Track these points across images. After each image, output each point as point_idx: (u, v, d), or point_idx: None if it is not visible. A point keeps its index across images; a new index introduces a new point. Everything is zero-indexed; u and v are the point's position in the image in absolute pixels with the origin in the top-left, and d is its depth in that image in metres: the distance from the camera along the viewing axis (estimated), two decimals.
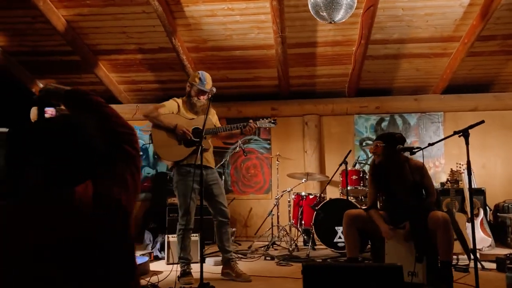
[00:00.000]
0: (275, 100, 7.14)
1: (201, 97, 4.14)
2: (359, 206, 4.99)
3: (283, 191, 6.04)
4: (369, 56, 6.20)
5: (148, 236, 5.77)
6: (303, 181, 5.94)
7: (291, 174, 5.99)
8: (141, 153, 7.15)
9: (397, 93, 7.09)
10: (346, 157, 5.63)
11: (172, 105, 4.14)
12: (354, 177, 5.60)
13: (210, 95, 3.95)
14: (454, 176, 4.89)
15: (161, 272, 4.42)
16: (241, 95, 7.18)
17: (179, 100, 4.19)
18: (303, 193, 5.87)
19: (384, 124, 7.07)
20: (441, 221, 3.39)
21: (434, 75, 6.62)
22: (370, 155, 6.97)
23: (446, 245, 3.36)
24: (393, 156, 3.65)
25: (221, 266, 4.30)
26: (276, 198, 6.15)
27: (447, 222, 3.39)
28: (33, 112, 7.03)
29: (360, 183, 5.60)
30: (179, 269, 4.10)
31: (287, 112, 7.12)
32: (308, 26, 5.58)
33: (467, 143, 2.94)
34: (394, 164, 3.69)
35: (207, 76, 4.16)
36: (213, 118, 4.28)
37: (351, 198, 5.57)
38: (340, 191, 5.91)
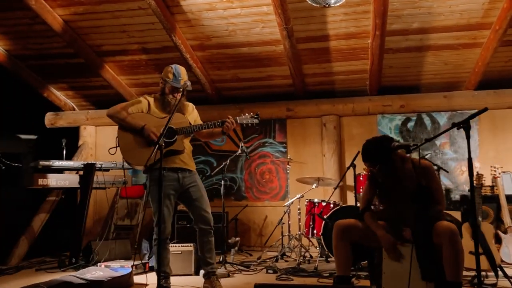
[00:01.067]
0: (290, 100, 6.68)
1: (176, 94, 3.75)
2: None
3: (294, 198, 5.56)
4: (389, 49, 5.64)
5: (145, 246, 5.46)
6: (313, 186, 5.44)
7: (300, 178, 5.50)
8: None
9: (424, 90, 6.45)
10: (354, 159, 5.11)
11: (141, 104, 3.77)
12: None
13: (183, 90, 3.58)
14: (480, 181, 4.25)
15: (146, 285, 4.08)
16: (254, 96, 6.79)
17: (150, 98, 3.82)
18: (315, 200, 5.37)
19: (410, 124, 6.44)
20: (446, 234, 2.83)
21: (465, 68, 5.95)
22: None
23: (452, 263, 2.80)
24: (392, 163, 3.12)
25: None
26: (286, 205, 5.69)
27: (454, 234, 2.82)
28: (47, 118, 6.90)
29: None
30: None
31: (303, 112, 6.65)
32: (316, 17, 5.11)
33: (468, 137, 2.39)
34: (394, 169, 3.15)
35: (182, 70, 3.80)
36: (191, 115, 3.89)
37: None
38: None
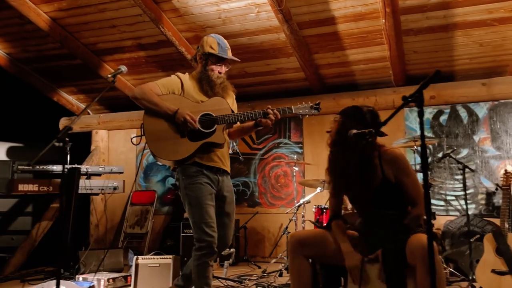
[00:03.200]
0: (306, 96, 6.00)
1: (223, 71, 3.03)
2: None
3: (298, 204, 4.92)
4: (409, 31, 4.86)
5: (131, 257, 5.03)
6: (318, 190, 4.76)
7: (303, 181, 4.85)
8: None
9: (460, 78, 5.56)
10: None
11: (172, 83, 2.98)
12: None
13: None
14: (509, 180, 3.40)
15: None
16: (267, 92, 6.22)
17: (184, 76, 3.05)
18: (323, 206, 4.70)
19: (443, 118, 5.57)
20: (418, 252, 2.11)
21: (505, 49, 5.01)
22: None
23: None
24: (347, 144, 2.43)
25: None
26: (294, 212, 5.05)
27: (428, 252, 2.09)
28: (62, 124, 6.73)
29: None
30: None
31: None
32: None
33: (421, 116, 1.71)
34: (352, 156, 2.45)
35: (225, 40, 3.07)
36: (232, 100, 3.11)
37: None
38: None
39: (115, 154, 7.02)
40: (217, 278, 4.34)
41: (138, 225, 6.58)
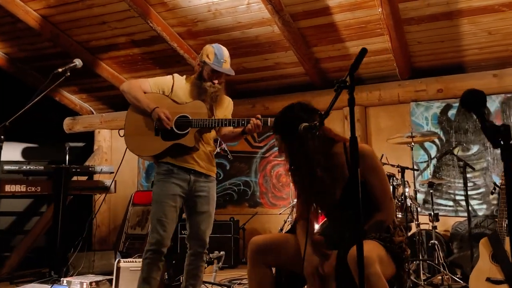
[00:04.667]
0: (307, 92, 5.78)
1: (216, 81, 2.98)
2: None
3: (293, 204, 4.69)
4: (411, 20, 4.56)
5: (118, 258, 4.89)
6: None
7: None
8: None
9: (471, 70, 5.20)
10: (380, 158, 4.15)
11: (163, 82, 2.99)
12: None
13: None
14: None
15: None
16: (268, 89, 6.00)
17: (180, 78, 3.04)
18: None
19: (451, 112, 5.22)
20: (350, 262, 1.88)
21: None
22: (433, 154, 5.21)
23: None
24: (304, 146, 2.17)
25: None
26: (281, 213, 4.82)
27: (368, 263, 1.84)
28: (66, 124, 6.71)
29: None
30: None
31: (321, 104, 5.52)
32: None
33: (351, 104, 1.48)
34: (312, 154, 2.19)
35: (225, 52, 3.02)
36: (222, 110, 3.06)
37: None
38: None
39: (118, 154, 6.92)
40: (204, 282, 4.15)
41: (139, 225, 6.47)
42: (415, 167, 5.09)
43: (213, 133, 3.03)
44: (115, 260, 4.98)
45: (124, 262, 3.94)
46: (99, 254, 4.88)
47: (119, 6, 4.72)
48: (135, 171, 6.76)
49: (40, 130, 7.41)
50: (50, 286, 3.75)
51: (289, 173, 2.30)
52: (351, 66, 1.59)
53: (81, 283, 4.04)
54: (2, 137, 2.14)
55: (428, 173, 5.17)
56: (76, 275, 4.52)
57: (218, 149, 4.45)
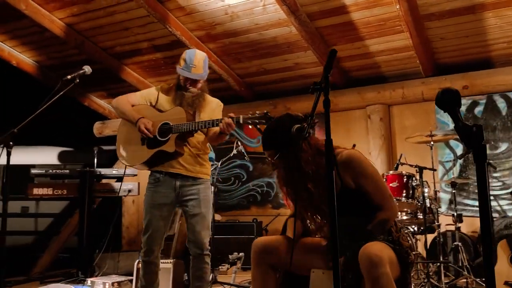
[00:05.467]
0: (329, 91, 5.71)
1: (192, 87, 3.01)
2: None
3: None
4: (430, 16, 4.44)
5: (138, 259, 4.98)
6: None
7: None
8: None
9: (499, 65, 5.02)
10: (399, 158, 4.12)
11: (149, 93, 3.12)
12: (394, 184, 3.92)
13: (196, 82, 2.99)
14: None
15: None
16: (289, 89, 5.98)
17: (166, 88, 3.15)
18: None
19: (478, 109, 5.05)
20: (363, 265, 1.84)
21: None
22: (458, 153, 5.05)
23: None
24: (297, 155, 2.13)
25: None
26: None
27: (373, 265, 1.81)
28: (95, 128, 6.93)
29: (403, 193, 3.89)
30: None
31: (344, 103, 5.65)
32: None
33: (326, 105, 1.45)
34: (304, 166, 2.15)
35: (197, 56, 3.00)
36: (209, 113, 3.08)
37: None
38: None
39: None
40: (222, 283, 4.19)
41: None
42: (440, 166, 4.96)
43: (201, 136, 3.05)
44: None
45: None
46: (124, 255, 4.99)
47: (140, 12, 4.82)
48: None
49: (76, 135, 7.68)
50: (73, 286, 3.87)
51: (285, 189, 2.27)
52: (324, 67, 1.57)
53: (104, 283, 4.15)
54: (11, 143, 2.22)
55: (453, 173, 5.02)
56: (100, 276, 4.65)
57: (235, 151, 4.49)
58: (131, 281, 4.30)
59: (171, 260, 3.98)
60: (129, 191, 5.06)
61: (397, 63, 5.28)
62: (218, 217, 6.02)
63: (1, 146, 2.20)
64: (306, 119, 1.99)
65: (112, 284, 4.14)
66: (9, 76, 6.30)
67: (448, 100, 1.31)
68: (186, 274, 4.27)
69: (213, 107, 3.14)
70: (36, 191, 4.64)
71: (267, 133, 2.26)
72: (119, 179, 5.98)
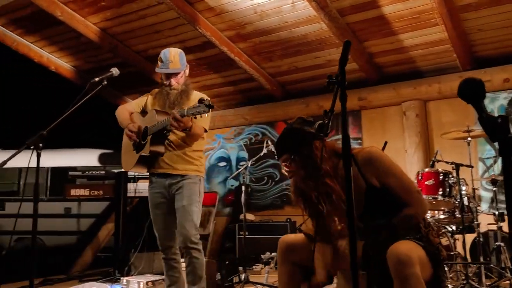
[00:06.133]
0: (362, 88, 5.62)
1: (173, 83, 3.06)
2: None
3: None
4: (467, 6, 4.27)
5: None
6: None
7: None
8: (223, 163, 6.52)
9: None
10: (435, 155, 3.99)
11: (141, 100, 3.24)
12: (430, 182, 3.78)
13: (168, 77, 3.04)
14: None
15: None
16: (321, 87, 5.89)
17: (155, 91, 3.24)
18: None
19: None
20: (392, 264, 1.77)
21: None
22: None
23: None
24: (315, 157, 2.07)
25: None
26: None
27: (402, 264, 1.74)
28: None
29: (439, 191, 3.74)
30: None
31: (379, 101, 5.52)
32: None
33: (343, 100, 1.38)
34: (322, 166, 2.08)
35: (171, 52, 3.07)
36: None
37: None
38: None
39: None
40: (254, 283, 4.17)
41: (201, 226, 6.61)
42: (480, 163, 4.77)
43: (184, 134, 3.03)
44: None
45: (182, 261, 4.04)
46: (159, 254, 5.04)
47: (170, 15, 4.87)
48: None
49: (115, 137, 7.86)
50: (109, 285, 3.95)
51: (301, 200, 2.21)
52: (339, 60, 1.50)
53: (138, 283, 4.21)
54: (41, 145, 2.27)
55: (494, 170, 4.80)
56: (136, 275, 4.72)
57: (265, 150, 4.46)
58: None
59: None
60: None
61: (433, 57, 5.11)
62: (251, 216, 6.02)
63: (31, 148, 2.24)
64: (326, 115, 1.93)
65: (146, 283, 4.18)
66: (49, 82, 6.53)
67: (471, 90, 1.23)
68: (219, 273, 4.28)
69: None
70: (74, 192, 4.77)
71: (279, 139, 2.22)
72: None
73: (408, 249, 1.81)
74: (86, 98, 2.72)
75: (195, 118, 2.80)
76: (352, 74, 5.59)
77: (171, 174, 3.03)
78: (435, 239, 1.99)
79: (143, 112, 3.16)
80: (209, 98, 2.81)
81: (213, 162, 6.77)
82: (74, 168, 7.30)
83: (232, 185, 6.61)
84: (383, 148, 3.70)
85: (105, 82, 2.89)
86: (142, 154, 2.96)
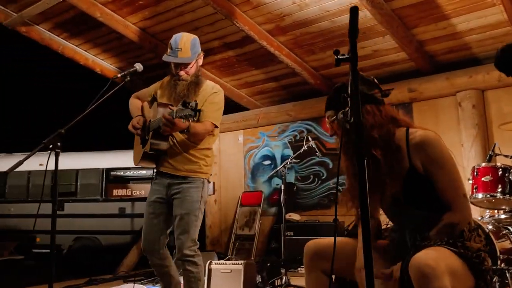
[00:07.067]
0: (413, 78, 5.26)
1: (184, 73, 2.85)
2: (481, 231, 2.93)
3: None
4: None
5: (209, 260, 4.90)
6: None
7: None
8: (268, 161, 6.36)
9: None
10: (493, 148, 3.63)
11: (150, 90, 3.11)
12: (487, 178, 3.41)
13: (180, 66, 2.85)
14: None
15: None
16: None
17: (166, 80, 3.07)
18: None
19: None
20: (414, 275, 1.54)
21: None
22: None
23: None
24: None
25: None
26: None
27: (424, 277, 1.50)
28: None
29: (498, 188, 3.36)
30: None
31: (431, 91, 5.14)
32: None
33: (354, 78, 1.16)
34: (368, 129, 1.87)
35: (182, 38, 2.86)
36: (202, 102, 2.85)
37: (482, 213, 3.44)
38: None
39: (225, 156, 7.07)
40: (296, 287, 3.98)
41: (247, 226, 6.52)
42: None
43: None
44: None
45: (215, 264, 3.93)
46: (203, 255, 4.95)
47: (207, 10, 4.76)
48: (242, 172, 6.82)
49: None
50: (146, 286, 3.89)
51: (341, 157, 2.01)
52: (348, 32, 1.28)
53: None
54: (59, 144, 2.20)
55: None
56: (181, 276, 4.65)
57: (305, 147, 4.26)
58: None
59: (242, 262, 3.84)
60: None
61: (490, 42, 4.67)
62: (297, 217, 5.81)
63: (50, 147, 2.18)
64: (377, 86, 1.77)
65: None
66: (94, 84, 6.63)
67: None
68: (259, 276, 4.12)
69: (206, 95, 2.92)
70: (116, 192, 4.78)
71: (330, 93, 2.04)
72: None
73: (433, 258, 1.54)
74: (107, 95, 2.64)
75: (189, 121, 2.55)
76: (401, 64, 5.26)
77: (172, 175, 2.88)
78: (476, 244, 1.71)
79: (153, 100, 3.04)
80: (196, 101, 2.55)
81: (257, 160, 6.62)
82: (128, 169, 7.45)
83: (277, 184, 6.43)
84: (493, 147, 3.41)
85: (128, 78, 2.79)
86: (144, 150, 2.86)
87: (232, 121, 6.76)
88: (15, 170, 2.07)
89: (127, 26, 5.16)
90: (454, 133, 4.98)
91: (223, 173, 7.05)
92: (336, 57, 1.30)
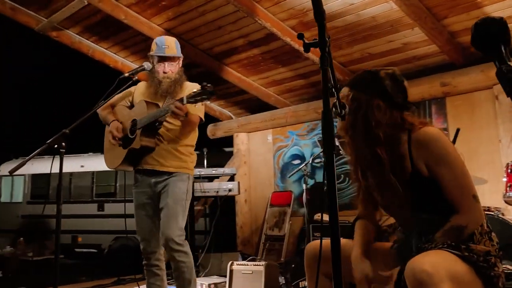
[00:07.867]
0: (446, 72, 5.01)
1: (167, 69, 2.94)
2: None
3: None
4: None
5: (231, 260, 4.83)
6: None
7: None
8: (297, 161, 6.26)
9: None
10: None
11: (125, 94, 3.10)
12: None
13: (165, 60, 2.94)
14: None
15: None
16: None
17: (142, 83, 3.13)
18: None
19: None
20: (409, 282, 1.40)
21: None
22: None
23: None
24: (364, 127, 1.75)
25: None
26: None
27: (420, 284, 1.35)
28: (209, 130, 7.05)
29: None
30: None
31: (465, 85, 4.88)
32: None
33: (323, 61, 1.05)
34: (374, 126, 1.75)
35: (167, 39, 3.02)
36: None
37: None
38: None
39: (254, 156, 7.01)
40: None
41: (276, 226, 6.43)
42: None
43: (175, 128, 2.90)
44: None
45: (237, 265, 3.88)
46: (227, 255, 4.92)
47: (229, 8, 4.72)
48: (271, 172, 6.74)
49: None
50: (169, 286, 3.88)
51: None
52: (314, 14, 1.18)
53: (201, 285, 4.11)
54: (63, 143, 2.20)
55: None
56: (203, 276, 4.63)
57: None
58: None
59: (263, 263, 3.76)
60: (229, 190, 4.99)
61: None
62: (326, 217, 5.66)
63: (55, 147, 2.18)
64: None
65: (209, 285, 4.07)
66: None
67: (487, 34, 0.86)
68: (282, 277, 4.03)
69: (190, 91, 2.83)
70: None
71: (361, 73, 1.95)
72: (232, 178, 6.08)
73: (431, 263, 1.41)
74: (115, 94, 2.63)
75: (196, 106, 2.67)
76: (433, 57, 5.03)
77: (157, 172, 2.90)
78: (484, 247, 1.55)
79: (131, 105, 3.05)
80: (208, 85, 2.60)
81: (286, 160, 6.52)
82: None
83: (308, 184, 6.29)
84: (455, 137, 3.21)
85: (135, 77, 2.78)
86: (132, 147, 2.82)
87: (261, 121, 6.69)
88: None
89: (152, 27, 5.19)
90: (491, 128, 4.71)
91: (252, 173, 6.99)
92: (303, 41, 1.19)
